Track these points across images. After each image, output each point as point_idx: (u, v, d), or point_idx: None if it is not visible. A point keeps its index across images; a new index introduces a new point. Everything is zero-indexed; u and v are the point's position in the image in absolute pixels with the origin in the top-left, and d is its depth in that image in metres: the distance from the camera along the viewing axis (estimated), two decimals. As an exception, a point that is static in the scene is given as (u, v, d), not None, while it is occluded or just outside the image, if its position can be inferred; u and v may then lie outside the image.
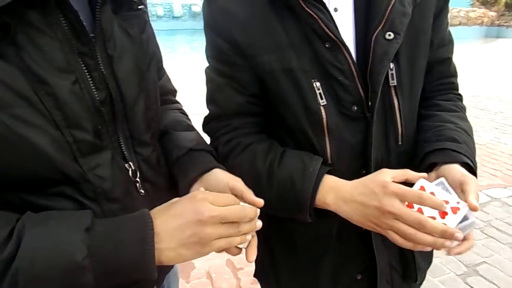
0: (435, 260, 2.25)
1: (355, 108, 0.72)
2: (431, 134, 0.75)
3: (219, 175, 0.71)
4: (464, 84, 6.91)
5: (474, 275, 2.17)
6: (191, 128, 0.83)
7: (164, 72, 0.89)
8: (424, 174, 0.66)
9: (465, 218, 0.62)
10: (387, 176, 0.64)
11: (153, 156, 0.71)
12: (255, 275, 0.99)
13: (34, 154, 0.52)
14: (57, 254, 0.50)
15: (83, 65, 0.57)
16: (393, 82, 0.73)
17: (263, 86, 0.74)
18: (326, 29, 0.68)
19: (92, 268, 0.51)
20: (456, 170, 0.67)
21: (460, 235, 0.58)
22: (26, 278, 0.49)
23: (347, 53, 0.70)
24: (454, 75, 0.86)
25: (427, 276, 2.15)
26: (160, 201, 0.70)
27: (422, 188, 0.64)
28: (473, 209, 0.61)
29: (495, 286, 2.09)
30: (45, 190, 0.56)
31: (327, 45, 0.69)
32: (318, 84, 0.71)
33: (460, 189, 0.64)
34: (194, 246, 0.57)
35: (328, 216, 0.71)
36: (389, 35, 0.70)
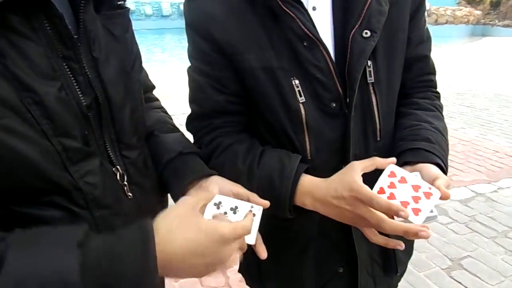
0: (420, 255, 2.33)
1: (334, 105, 0.74)
2: (408, 133, 0.78)
3: (222, 182, 0.71)
4: (451, 82, 7.06)
5: (458, 268, 2.22)
6: (176, 129, 0.83)
7: (143, 68, 0.86)
8: (393, 159, 0.68)
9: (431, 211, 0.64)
10: (355, 173, 0.65)
11: (140, 159, 0.70)
12: (239, 270, 1.00)
13: (24, 165, 0.51)
14: (46, 274, 0.45)
15: (68, 70, 0.56)
16: (370, 79, 0.74)
17: (243, 85, 0.75)
18: (304, 28, 0.69)
19: (84, 287, 0.46)
20: (430, 167, 0.70)
21: (426, 233, 0.60)
22: None
23: (325, 51, 0.71)
24: (433, 72, 0.89)
25: (413, 270, 2.21)
26: (147, 203, 0.71)
27: (393, 174, 0.66)
28: (444, 196, 0.63)
29: (479, 279, 2.14)
30: (35, 200, 0.54)
31: (305, 44, 0.71)
32: (297, 81, 0.72)
33: (432, 183, 0.67)
34: (208, 270, 0.56)
35: (309, 211, 0.72)
36: (366, 33, 0.72)
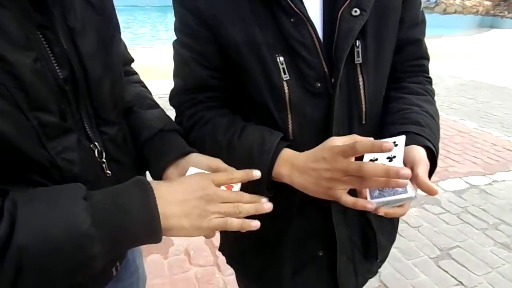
0: (409, 243, 2.34)
1: (319, 84, 0.72)
2: (397, 117, 0.76)
3: (199, 158, 0.70)
4: (454, 73, 6.99)
5: (447, 258, 2.23)
6: (156, 105, 0.81)
7: (121, 39, 0.83)
8: (370, 139, 0.65)
9: (404, 191, 0.62)
10: (335, 142, 0.64)
11: (119, 135, 0.69)
12: (219, 249, 1.00)
13: None
14: (60, 227, 0.46)
15: (43, 40, 0.53)
16: (358, 60, 0.72)
17: (227, 60, 0.73)
18: (292, 4, 0.67)
19: (99, 237, 0.48)
20: (414, 150, 0.68)
21: (407, 171, 0.57)
22: (30, 258, 0.44)
23: (312, 29, 0.69)
24: (425, 57, 0.86)
25: (401, 258, 2.23)
26: (127, 180, 0.70)
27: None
28: (422, 185, 0.61)
29: (466, 269, 2.15)
30: (10, 178, 0.52)
31: (292, 20, 0.69)
32: (281, 59, 0.70)
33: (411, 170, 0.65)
34: (195, 219, 0.57)
35: (289, 190, 0.71)
36: (355, 11, 0.69)
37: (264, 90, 0.72)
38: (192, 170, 0.66)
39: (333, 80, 0.71)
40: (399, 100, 0.79)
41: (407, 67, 0.83)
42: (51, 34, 0.54)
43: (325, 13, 0.72)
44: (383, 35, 0.74)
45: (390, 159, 0.63)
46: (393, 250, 0.97)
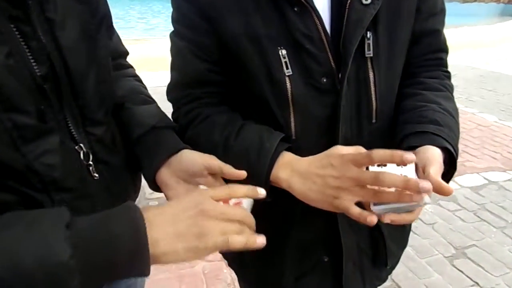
0: (423, 241, 2.27)
1: (324, 80, 0.66)
2: (413, 115, 0.69)
3: (192, 155, 0.65)
4: (474, 63, 6.76)
5: (462, 257, 2.15)
6: (150, 100, 0.76)
7: (114, 31, 0.79)
8: (378, 150, 0.59)
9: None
10: (341, 150, 0.60)
11: (108, 135, 0.64)
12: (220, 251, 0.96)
13: None
14: (34, 255, 0.41)
15: (17, 33, 0.48)
16: (369, 53, 0.66)
17: (226, 53, 0.68)
18: None
19: (80, 269, 0.43)
20: (429, 151, 0.62)
21: (427, 185, 0.52)
22: None
23: (317, 19, 0.63)
24: (444, 50, 0.79)
25: (414, 256, 2.16)
26: (117, 184, 0.66)
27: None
28: (436, 186, 0.55)
29: (482, 269, 2.07)
30: None
31: (295, 9, 0.63)
32: (284, 52, 0.64)
33: (422, 171, 0.59)
34: (190, 240, 0.48)
35: (290, 196, 0.66)
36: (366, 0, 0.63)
37: (264, 85, 0.67)
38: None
39: (340, 76, 0.65)
40: (415, 96, 0.72)
41: (424, 61, 0.76)
42: (26, 26, 0.49)
43: (333, 2, 0.66)
44: (396, 26, 0.68)
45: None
46: (405, 248, 0.91)
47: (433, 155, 0.60)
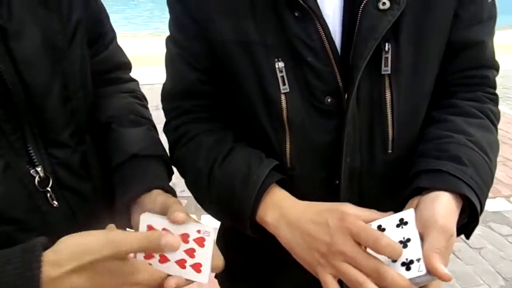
0: (467, 268, 2.06)
1: (329, 100, 0.55)
2: (431, 147, 0.56)
3: (156, 200, 0.57)
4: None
5: (512, 290, 1.92)
6: (141, 121, 0.68)
7: (111, 40, 0.71)
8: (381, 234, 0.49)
9: (418, 270, 0.45)
10: (349, 210, 0.50)
11: (74, 159, 0.58)
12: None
13: None
14: None
15: None
16: (386, 70, 0.54)
17: (216, 61, 0.59)
18: None
19: None
20: (434, 204, 0.48)
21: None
22: None
23: (321, 26, 0.52)
24: (490, 65, 0.63)
25: (455, 284, 1.94)
26: (87, 213, 0.59)
27: (151, 228, 0.51)
28: (432, 270, 0.43)
29: (535, 307, 1.83)
30: None
31: (296, 14, 0.53)
32: (281, 64, 0.54)
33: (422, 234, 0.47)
34: None
35: None
36: (384, 3, 0.51)
37: (257, 103, 0.57)
38: (145, 216, 0.53)
39: (346, 96, 0.54)
40: (441, 123, 0.59)
41: (463, 79, 0.62)
42: None
43: (346, 6, 0.55)
44: (426, 36, 0.55)
45: (404, 243, 0.46)
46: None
47: (437, 214, 0.47)
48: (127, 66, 0.76)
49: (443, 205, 0.48)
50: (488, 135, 0.58)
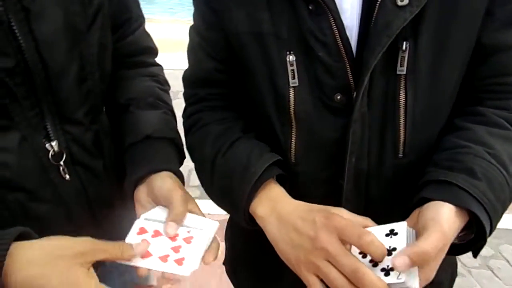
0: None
1: (338, 97, 0.53)
2: (446, 157, 0.53)
3: (164, 182, 0.59)
4: None
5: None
6: (159, 104, 0.70)
7: (139, 26, 0.74)
8: (373, 236, 0.47)
9: (398, 278, 0.42)
10: (341, 212, 0.49)
11: (87, 137, 0.61)
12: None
13: None
14: None
15: None
16: (401, 70, 0.51)
17: (232, 52, 0.60)
18: None
19: None
20: (438, 210, 0.46)
21: None
22: None
23: (334, 21, 0.50)
24: None
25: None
26: (97, 189, 0.62)
27: (143, 230, 0.55)
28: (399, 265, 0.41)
29: None
30: None
31: (310, 8, 0.51)
32: (292, 58, 0.54)
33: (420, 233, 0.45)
34: None
35: None
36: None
37: (266, 95, 0.57)
38: (140, 220, 0.57)
39: (355, 94, 0.52)
40: (461, 132, 0.55)
41: (491, 85, 0.57)
42: None
43: (365, 2, 0.52)
44: (449, 36, 0.52)
45: (389, 252, 0.44)
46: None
47: (439, 216, 0.45)
48: (153, 51, 0.78)
49: (446, 214, 0.46)
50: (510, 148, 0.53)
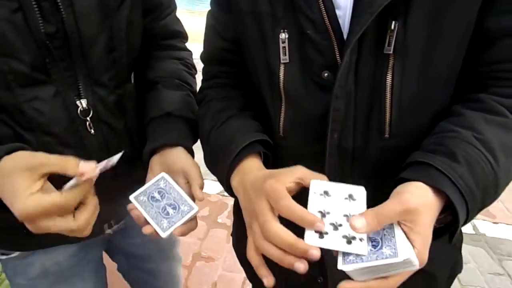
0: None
1: (326, 74, 0.55)
2: (432, 141, 0.52)
3: (179, 156, 0.68)
4: None
5: None
6: (184, 86, 0.78)
7: (170, 12, 0.82)
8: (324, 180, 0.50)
9: (392, 254, 0.42)
10: (292, 172, 0.50)
11: (111, 99, 0.69)
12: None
13: None
14: None
15: None
16: (388, 49, 0.52)
17: (236, 31, 0.64)
18: None
19: None
20: (409, 186, 0.46)
21: (316, 253, 0.43)
22: None
23: (323, 0, 0.52)
24: None
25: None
26: (116, 144, 0.71)
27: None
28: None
29: None
30: None
31: None
32: (284, 36, 0.56)
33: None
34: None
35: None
36: None
37: (260, 72, 0.61)
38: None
39: (339, 72, 0.53)
40: (454, 117, 0.54)
41: (497, 72, 0.55)
42: None
43: None
44: (441, 18, 0.50)
45: (347, 217, 0.45)
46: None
47: (406, 190, 0.45)
48: (183, 35, 0.86)
49: (413, 189, 0.46)
50: (507, 136, 0.51)
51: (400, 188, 0.46)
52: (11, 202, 0.50)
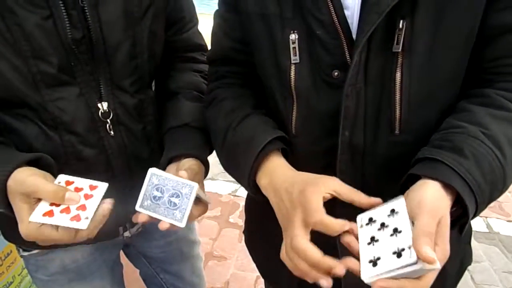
0: None
1: (336, 73, 0.56)
2: (440, 137, 0.53)
3: (188, 164, 0.69)
4: None
5: None
6: (201, 99, 0.81)
7: (193, 26, 0.85)
8: (378, 200, 0.51)
9: (410, 260, 0.44)
10: (328, 183, 0.52)
11: (130, 103, 0.72)
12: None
13: None
14: None
15: (61, 3, 0.59)
16: (397, 48, 0.53)
17: (244, 32, 0.65)
18: None
19: None
20: (420, 193, 0.47)
21: (339, 270, 0.45)
22: None
23: (331, 1, 0.53)
24: None
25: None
26: (135, 148, 0.74)
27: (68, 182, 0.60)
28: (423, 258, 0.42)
29: None
30: (11, 110, 0.65)
31: None
32: (294, 36, 0.58)
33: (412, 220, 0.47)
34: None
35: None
36: None
37: (271, 72, 0.62)
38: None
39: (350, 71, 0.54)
40: (460, 113, 0.55)
41: (501, 67, 0.56)
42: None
43: None
44: (447, 15, 0.52)
45: (395, 233, 0.47)
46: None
47: (424, 197, 0.47)
48: (203, 49, 0.89)
49: (431, 191, 0.47)
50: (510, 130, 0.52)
51: (417, 193, 0.48)
52: (17, 221, 0.57)
